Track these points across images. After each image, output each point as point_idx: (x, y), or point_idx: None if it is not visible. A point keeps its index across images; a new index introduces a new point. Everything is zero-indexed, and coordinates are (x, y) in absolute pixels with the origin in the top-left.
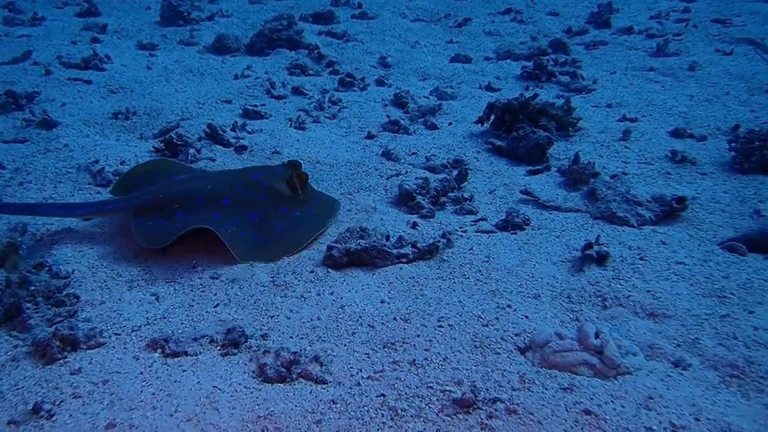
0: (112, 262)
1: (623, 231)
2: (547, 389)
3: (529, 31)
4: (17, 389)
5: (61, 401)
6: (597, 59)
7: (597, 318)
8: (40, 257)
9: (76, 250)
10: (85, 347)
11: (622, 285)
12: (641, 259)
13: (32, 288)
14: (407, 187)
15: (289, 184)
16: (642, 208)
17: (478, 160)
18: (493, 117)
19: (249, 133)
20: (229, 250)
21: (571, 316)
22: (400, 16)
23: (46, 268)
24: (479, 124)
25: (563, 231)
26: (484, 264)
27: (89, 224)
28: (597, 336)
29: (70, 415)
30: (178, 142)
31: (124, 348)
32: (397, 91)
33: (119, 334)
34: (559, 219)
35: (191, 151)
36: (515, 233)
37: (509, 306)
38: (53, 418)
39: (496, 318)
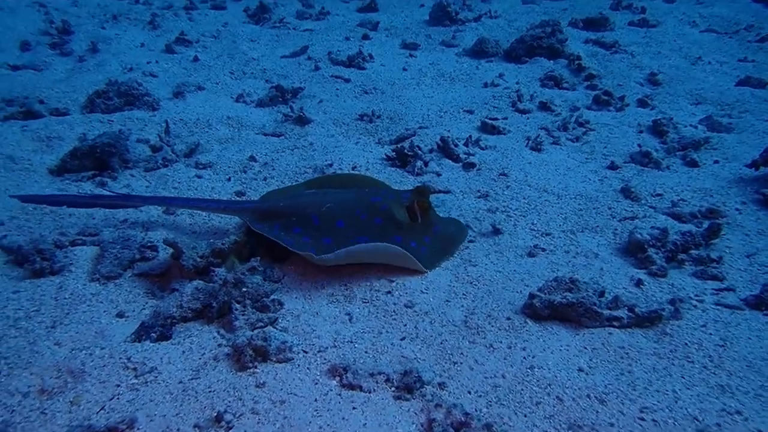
0: (318, 272)
1: None
2: None
3: None
4: (210, 392)
5: (241, 414)
6: None
7: None
8: (256, 259)
9: (290, 254)
10: (274, 360)
11: None
12: None
13: (244, 290)
14: (639, 236)
15: (409, 211)
16: None
17: (740, 213)
18: None
19: (482, 149)
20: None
21: None
22: (688, 25)
23: (261, 270)
24: (753, 169)
25: None
26: (718, 349)
27: None
28: None
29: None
30: (409, 153)
31: (308, 368)
32: (658, 116)
33: (307, 352)
34: None
35: (419, 163)
36: None
37: (739, 413)
38: (231, 431)
39: (718, 425)
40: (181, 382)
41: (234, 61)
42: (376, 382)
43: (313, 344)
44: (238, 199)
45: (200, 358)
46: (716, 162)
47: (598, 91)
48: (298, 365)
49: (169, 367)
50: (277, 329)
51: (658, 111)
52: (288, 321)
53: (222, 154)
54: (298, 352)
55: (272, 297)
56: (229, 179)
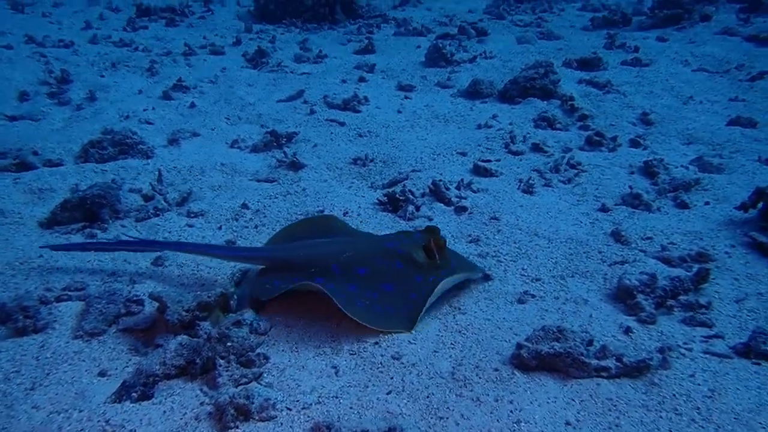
0: (307, 323)
1: None
2: None
3: None
4: None
5: None
6: None
7: None
8: (242, 312)
9: (279, 304)
10: (257, 418)
11: None
12: None
13: (229, 344)
14: (627, 282)
15: (426, 251)
16: None
17: (729, 257)
18: (761, 205)
19: (474, 192)
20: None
21: None
22: (680, 64)
23: (247, 324)
24: (742, 211)
25: None
26: (706, 400)
27: None
28: None
29: None
30: (400, 197)
31: (291, 427)
32: (649, 157)
33: (290, 410)
34: None
35: (410, 208)
36: (759, 364)
37: None
38: None
39: None
40: None
41: (230, 106)
42: None
43: (298, 400)
44: (258, 246)
45: (181, 419)
46: (707, 203)
47: (590, 131)
48: (281, 423)
49: (149, 429)
50: (261, 385)
51: (650, 151)
52: (273, 376)
53: (214, 201)
54: (282, 410)
55: (258, 351)
56: (220, 228)
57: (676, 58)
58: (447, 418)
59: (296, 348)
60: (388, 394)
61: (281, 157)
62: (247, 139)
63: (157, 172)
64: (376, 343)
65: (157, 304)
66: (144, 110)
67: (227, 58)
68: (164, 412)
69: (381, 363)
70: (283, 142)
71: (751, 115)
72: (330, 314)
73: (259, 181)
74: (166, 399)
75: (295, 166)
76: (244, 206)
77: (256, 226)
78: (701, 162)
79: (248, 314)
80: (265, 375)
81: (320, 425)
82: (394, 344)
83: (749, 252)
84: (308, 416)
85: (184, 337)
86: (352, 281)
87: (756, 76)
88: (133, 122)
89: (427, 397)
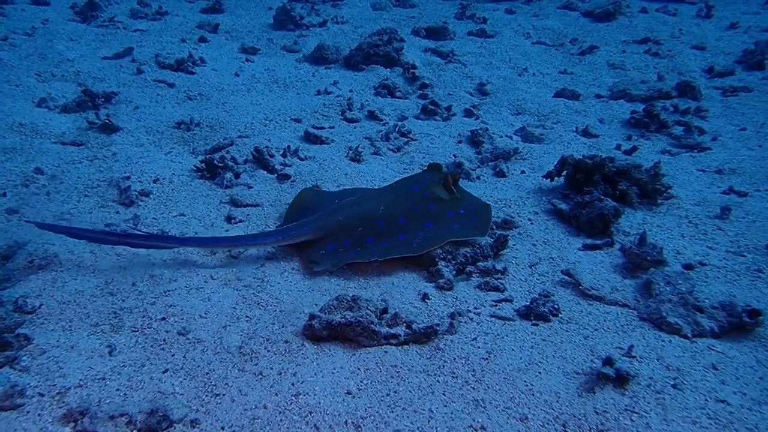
0: (89, 299)
1: (670, 342)
2: None
3: (662, 66)
4: None
5: None
6: (731, 110)
7: None
8: (11, 285)
9: (56, 280)
10: None
11: (632, 422)
12: (674, 386)
13: None
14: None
15: (445, 187)
16: (703, 315)
17: (532, 223)
18: (566, 172)
19: (301, 159)
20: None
21: None
22: (523, 36)
23: (11, 302)
24: (549, 180)
25: (596, 330)
26: (482, 362)
27: (86, 249)
28: None
29: None
30: (218, 164)
31: (39, 415)
32: (475, 127)
33: (43, 395)
34: (598, 313)
35: (228, 175)
36: (537, 325)
37: (483, 428)
38: None
39: None
40: None
41: (45, 61)
42: (116, 426)
43: (54, 385)
44: (286, 226)
45: None
46: (522, 172)
47: (426, 101)
48: (28, 412)
49: None
50: (15, 370)
51: (481, 121)
52: (32, 359)
53: (3, 165)
54: (33, 396)
55: (18, 331)
56: (4, 194)
57: (519, 30)
58: (223, 395)
59: (70, 327)
60: (164, 372)
61: (93, 118)
62: (59, 98)
63: None
64: (164, 318)
65: None
66: None
67: (51, 10)
68: None
69: (164, 340)
70: (100, 102)
71: (576, 87)
72: (116, 289)
73: (64, 144)
74: None
75: (108, 128)
76: (38, 171)
77: (48, 193)
78: (524, 132)
79: (11, 292)
80: (23, 358)
81: (74, 411)
82: (183, 319)
83: (550, 218)
84: (63, 402)
85: None
86: (400, 231)
87: (586, 50)
88: None
89: (207, 373)
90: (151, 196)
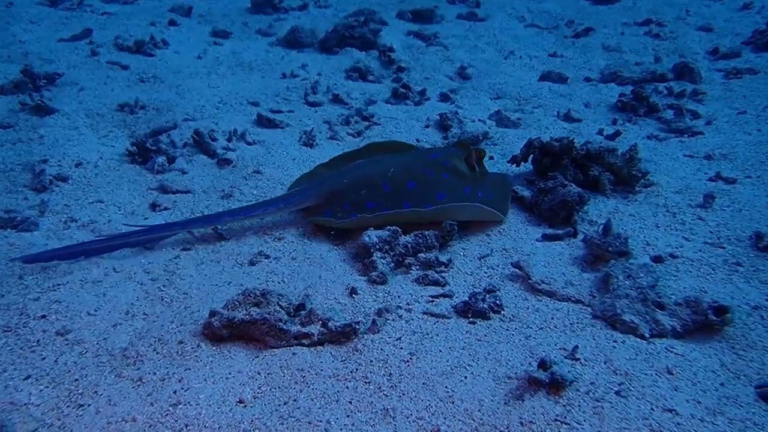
0: None
1: (623, 343)
2: None
3: (662, 48)
4: None
5: None
6: (731, 92)
7: None
8: None
9: None
10: None
11: None
12: (618, 393)
13: None
14: (366, 239)
15: (468, 162)
16: (663, 313)
17: None
18: (532, 157)
19: (249, 144)
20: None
21: None
22: (517, 20)
23: None
24: (514, 165)
25: (541, 330)
26: (401, 365)
27: None
28: None
29: None
30: (151, 147)
31: None
32: (446, 111)
33: None
34: (546, 310)
35: (160, 159)
36: (474, 323)
37: None
38: None
39: None
40: None
41: None
42: None
43: None
44: (289, 192)
45: None
46: (491, 158)
47: (397, 84)
48: None
49: None
50: None
51: (455, 106)
52: None
53: None
54: None
55: None
56: None
57: (513, 13)
58: (88, 405)
59: None
60: (25, 379)
61: (25, 100)
62: None
63: None
64: (44, 316)
65: None
66: None
67: None
68: None
69: (38, 341)
70: (42, 84)
71: (564, 71)
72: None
73: None
74: None
75: (41, 110)
76: None
77: None
78: (499, 116)
79: None
80: None
81: None
82: (66, 317)
83: (512, 206)
84: None
85: None
86: (407, 198)
87: (581, 33)
88: None
89: (76, 380)
90: (69, 181)
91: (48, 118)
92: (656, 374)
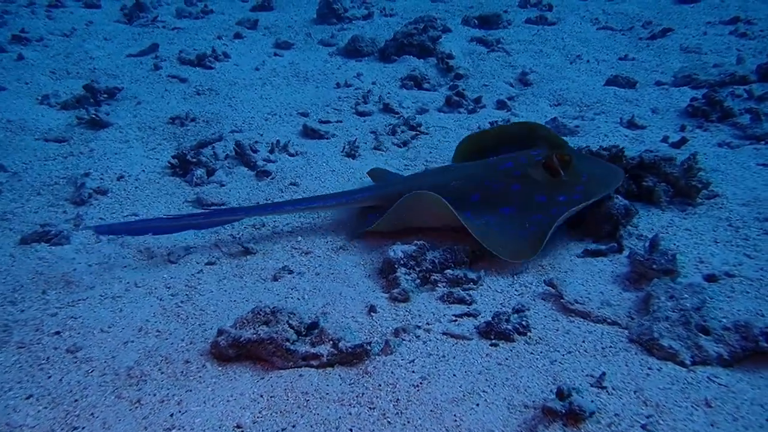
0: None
1: (658, 370)
2: None
3: (748, 48)
4: None
5: None
6: None
7: None
8: None
9: None
10: None
11: None
12: (644, 426)
13: None
14: (392, 254)
15: (548, 168)
16: (708, 338)
17: None
18: None
19: (291, 155)
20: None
21: None
22: (589, 23)
23: None
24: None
25: (569, 353)
26: (410, 390)
27: (5, 252)
28: None
29: None
30: (192, 160)
31: None
32: (497, 119)
33: None
34: (577, 333)
35: (199, 171)
36: (496, 345)
37: None
38: None
39: None
40: None
41: (67, 60)
42: None
43: None
44: (350, 189)
45: None
46: None
47: (451, 92)
48: None
49: None
50: None
51: (511, 113)
52: None
53: None
54: None
55: None
56: None
57: (586, 16)
58: (82, 428)
59: None
60: (26, 399)
61: (82, 114)
62: (63, 94)
63: None
64: (58, 333)
65: None
66: None
67: (101, 12)
68: None
69: (48, 358)
70: (103, 98)
71: (634, 74)
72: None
73: (47, 140)
74: None
75: (96, 124)
76: (1, 168)
77: (1, 192)
78: (555, 124)
79: None
80: None
81: None
82: (79, 334)
83: None
84: None
85: None
86: (467, 209)
87: (657, 34)
88: None
89: (76, 401)
90: (109, 194)
91: (102, 131)
92: (692, 406)
